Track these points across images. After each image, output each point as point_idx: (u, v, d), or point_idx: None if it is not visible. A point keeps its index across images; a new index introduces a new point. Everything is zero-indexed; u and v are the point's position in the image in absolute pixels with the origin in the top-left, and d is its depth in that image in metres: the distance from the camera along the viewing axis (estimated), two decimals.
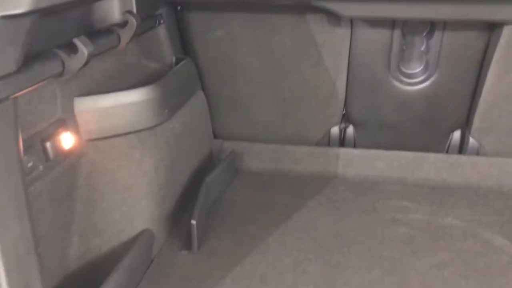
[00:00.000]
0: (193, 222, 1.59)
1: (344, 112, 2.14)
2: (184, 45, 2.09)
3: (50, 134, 1.28)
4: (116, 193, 1.52)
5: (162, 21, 1.85)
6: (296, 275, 1.53)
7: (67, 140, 1.35)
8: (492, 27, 1.80)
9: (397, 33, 1.89)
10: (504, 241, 1.66)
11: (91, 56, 1.25)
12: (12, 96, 0.97)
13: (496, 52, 1.79)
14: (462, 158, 2.05)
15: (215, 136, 2.25)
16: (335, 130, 2.18)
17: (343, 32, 1.91)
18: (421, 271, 1.53)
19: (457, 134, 2.10)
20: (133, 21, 1.50)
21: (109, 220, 1.50)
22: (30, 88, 1.04)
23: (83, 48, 1.22)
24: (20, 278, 0.99)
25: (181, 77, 1.85)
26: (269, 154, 2.18)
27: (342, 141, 2.22)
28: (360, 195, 1.97)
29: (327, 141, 2.20)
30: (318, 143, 2.20)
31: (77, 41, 1.22)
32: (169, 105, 1.67)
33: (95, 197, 1.47)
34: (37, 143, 1.23)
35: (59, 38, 1.24)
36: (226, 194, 2.00)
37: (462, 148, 2.11)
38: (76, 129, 1.39)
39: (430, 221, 1.79)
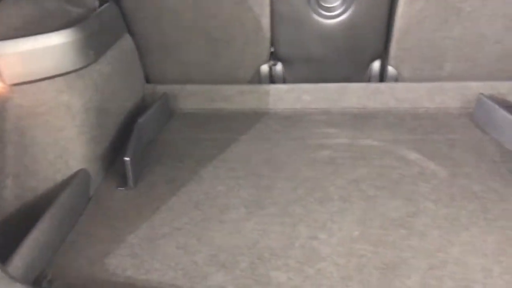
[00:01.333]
0: (126, 158, 1.66)
1: (272, 49, 2.23)
2: None
3: None
4: (48, 135, 1.55)
5: None
6: (228, 199, 1.65)
7: None
8: None
9: None
10: (417, 155, 1.84)
11: None
12: None
13: None
14: (381, 85, 2.20)
15: (148, 81, 2.29)
16: (264, 67, 2.26)
17: None
18: (341, 186, 1.68)
19: (376, 64, 2.24)
20: None
21: (43, 161, 1.54)
22: None
23: None
24: None
25: (104, 19, 1.86)
26: (202, 95, 2.25)
27: (272, 78, 2.31)
28: (289, 126, 2.09)
29: (258, 79, 2.29)
30: (249, 81, 2.28)
31: None
32: (93, 47, 1.69)
33: (26, 140, 1.50)
34: None
35: None
36: (162, 134, 2.07)
37: (382, 77, 2.26)
38: None
39: (351, 143, 1.94)
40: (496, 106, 1.92)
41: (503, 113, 1.87)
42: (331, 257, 1.38)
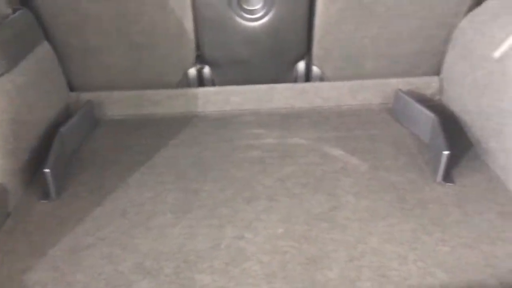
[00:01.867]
0: (46, 170, 1.61)
1: (198, 53, 2.23)
2: None
3: None
4: None
5: None
6: (155, 205, 1.63)
7: None
8: None
9: None
10: (340, 152, 1.91)
11: None
12: None
13: None
14: (307, 85, 2.26)
15: (72, 89, 2.22)
16: (192, 71, 2.26)
17: None
18: (268, 185, 1.71)
19: (301, 64, 2.29)
20: None
21: None
22: None
23: None
24: None
25: (17, 28, 1.79)
26: (129, 101, 2.22)
27: (201, 81, 2.31)
28: (219, 129, 2.10)
29: (186, 83, 2.28)
30: (178, 85, 2.27)
31: None
32: (5, 56, 1.62)
33: None
34: None
35: None
36: (87, 143, 2.02)
37: (308, 77, 2.32)
38: None
39: (279, 143, 1.98)
40: (412, 101, 2.02)
41: (418, 107, 1.97)
42: (256, 255, 1.40)
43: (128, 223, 1.55)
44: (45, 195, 1.67)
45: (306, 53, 2.27)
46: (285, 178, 1.75)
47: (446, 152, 1.65)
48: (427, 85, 2.23)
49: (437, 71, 2.22)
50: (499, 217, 1.52)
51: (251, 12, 2.11)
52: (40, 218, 1.58)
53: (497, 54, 1.72)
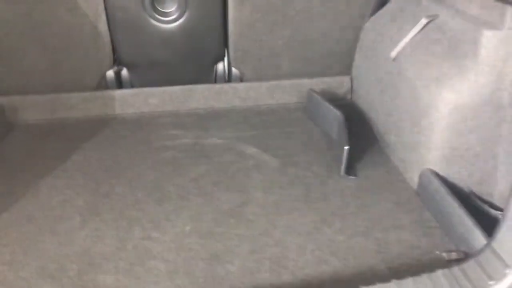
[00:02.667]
0: None
1: (114, 55, 2.23)
2: None
3: None
4: None
5: None
6: (64, 209, 1.62)
7: None
8: None
9: None
10: (254, 150, 1.97)
11: None
12: None
13: None
14: (226, 86, 2.31)
15: None
16: (110, 73, 2.26)
17: None
18: (181, 185, 1.74)
19: (221, 65, 2.34)
20: None
21: None
22: None
23: None
24: None
25: None
26: (44, 105, 2.18)
27: (119, 84, 2.31)
28: (136, 131, 2.11)
29: (105, 85, 2.27)
30: (96, 88, 2.26)
31: None
32: None
33: None
34: None
35: None
36: None
37: (228, 77, 2.37)
38: None
39: (196, 143, 2.02)
40: (322, 100, 2.11)
41: (327, 105, 2.06)
42: (161, 254, 1.43)
43: (34, 228, 1.54)
44: None
45: (225, 55, 2.32)
46: (198, 178, 1.79)
47: (346, 147, 1.75)
48: (340, 84, 2.34)
49: (349, 71, 2.33)
50: (394, 206, 1.63)
51: (165, 14, 2.13)
52: None
53: (393, 54, 1.84)
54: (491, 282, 1.18)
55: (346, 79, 2.33)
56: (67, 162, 1.88)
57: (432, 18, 1.74)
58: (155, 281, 1.34)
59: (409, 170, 1.73)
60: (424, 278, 1.23)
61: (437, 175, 1.59)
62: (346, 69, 2.33)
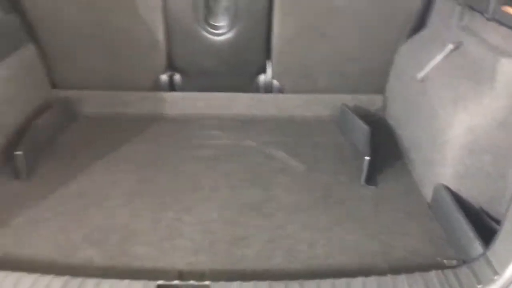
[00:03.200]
0: (18, 153, 1.85)
1: (169, 61, 2.49)
2: (14, 2, 2.26)
3: None
4: None
5: None
6: (112, 189, 1.87)
7: None
8: None
9: None
10: (283, 154, 2.14)
11: None
12: None
13: (275, 5, 2.23)
14: (265, 96, 2.51)
15: (54, 86, 2.48)
16: (164, 77, 2.52)
17: None
18: (213, 178, 1.95)
19: (263, 77, 2.54)
20: None
21: None
22: None
23: None
24: None
25: (3, 29, 2.05)
26: (104, 100, 2.47)
27: (171, 87, 2.57)
28: (181, 129, 2.35)
29: (158, 87, 2.53)
30: (150, 89, 2.52)
31: None
32: None
33: None
34: None
35: None
36: (62, 136, 2.26)
37: (271, 88, 2.57)
38: None
39: (232, 144, 2.22)
40: (353, 114, 2.26)
41: (357, 120, 2.21)
42: (189, 234, 1.63)
43: (85, 202, 1.79)
44: (17, 175, 1.90)
45: (267, 67, 2.52)
46: (229, 173, 1.98)
47: (367, 158, 1.89)
48: (373, 102, 2.48)
49: (382, 90, 2.47)
50: (406, 216, 1.75)
51: (216, 28, 2.38)
52: (9, 195, 1.81)
53: (420, 75, 1.97)
54: (479, 286, 1.29)
55: (379, 98, 2.47)
56: (118, 151, 2.14)
57: (457, 45, 1.86)
58: (181, 255, 1.54)
59: (425, 185, 1.85)
60: (417, 276, 1.35)
61: (449, 190, 1.70)
62: (380, 88, 2.46)
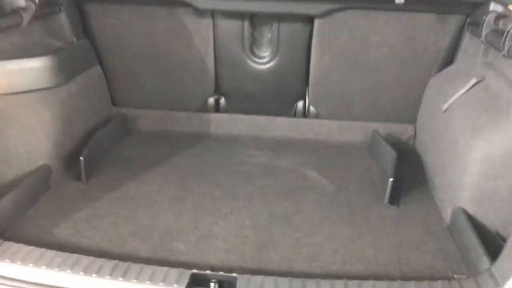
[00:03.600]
0: (81, 158, 2.13)
1: (216, 85, 2.75)
2: (86, 29, 2.61)
3: None
4: (21, 135, 2.02)
5: (62, 9, 2.38)
6: (158, 195, 2.11)
7: None
8: (311, 20, 2.45)
9: (246, 24, 2.52)
10: (315, 174, 2.32)
11: None
12: None
13: (313, 39, 2.45)
14: (302, 120, 2.71)
15: (114, 104, 2.79)
16: (211, 100, 2.78)
17: (206, 22, 2.51)
18: (248, 191, 2.15)
19: (300, 103, 2.75)
20: (32, 6, 2.03)
21: (13, 155, 1.99)
22: None
23: None
24: None
25: (76, 52, 2.39)
26: (157, 118, 2.75)
27: (217, 109, 2.82)
28: (223, 147, 2.58)
29: (205, 109, 2.79)
30: (198, 110, 2.79)
31: None
32: (64, 72, 2.20)
33: (2, 136, 1.97)
34: None
35: None
36: (118, 146, 2.55)
37: (307, 114, 2.77)
38: None
39: (268, 162, 2.43)
40: (383, 141, 2.41)
41: (386, 146, 2.36)
42: (222, 236, 1.83)
43: (134, 204, 2.03)
44: (78, 177, 2.18)
45: (305, 94, 2.73)
46: (263, 188, 2.18)
47: (391, 179, 2.03)
48: (404, 131, 2.62)
49: (413, 120, 2.61)
50: (425, 235, 1.87)
51: (260, 57, 2.62)
52: (71, 193, 2.09)
53: (445, 106, 2.11)
54: None
55: (410, 127, 2.61)
56: (166, 162, 2.39)
57: (480, 79, 2.00)
58: (214, 253, 1.73)
59: (445, 208, 1.96)
60: (424, 284, 1.48)
61: (467, 213, 1.82)
62: (412, 118, 2.61)
